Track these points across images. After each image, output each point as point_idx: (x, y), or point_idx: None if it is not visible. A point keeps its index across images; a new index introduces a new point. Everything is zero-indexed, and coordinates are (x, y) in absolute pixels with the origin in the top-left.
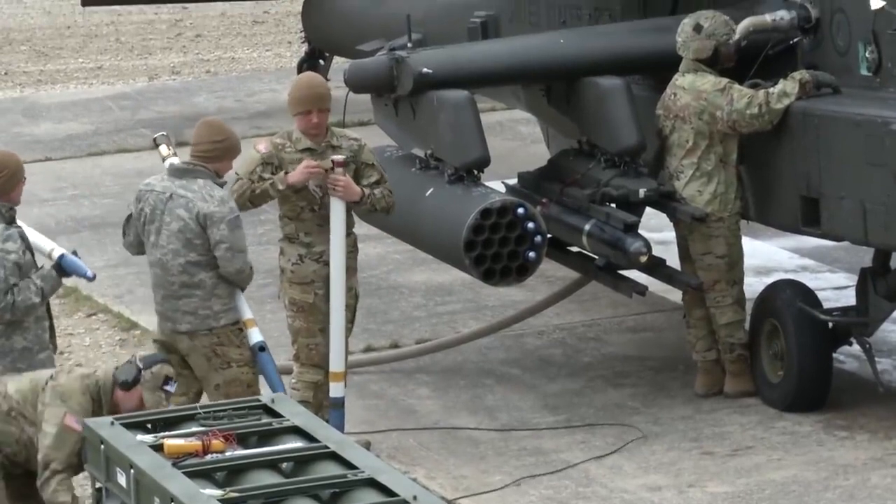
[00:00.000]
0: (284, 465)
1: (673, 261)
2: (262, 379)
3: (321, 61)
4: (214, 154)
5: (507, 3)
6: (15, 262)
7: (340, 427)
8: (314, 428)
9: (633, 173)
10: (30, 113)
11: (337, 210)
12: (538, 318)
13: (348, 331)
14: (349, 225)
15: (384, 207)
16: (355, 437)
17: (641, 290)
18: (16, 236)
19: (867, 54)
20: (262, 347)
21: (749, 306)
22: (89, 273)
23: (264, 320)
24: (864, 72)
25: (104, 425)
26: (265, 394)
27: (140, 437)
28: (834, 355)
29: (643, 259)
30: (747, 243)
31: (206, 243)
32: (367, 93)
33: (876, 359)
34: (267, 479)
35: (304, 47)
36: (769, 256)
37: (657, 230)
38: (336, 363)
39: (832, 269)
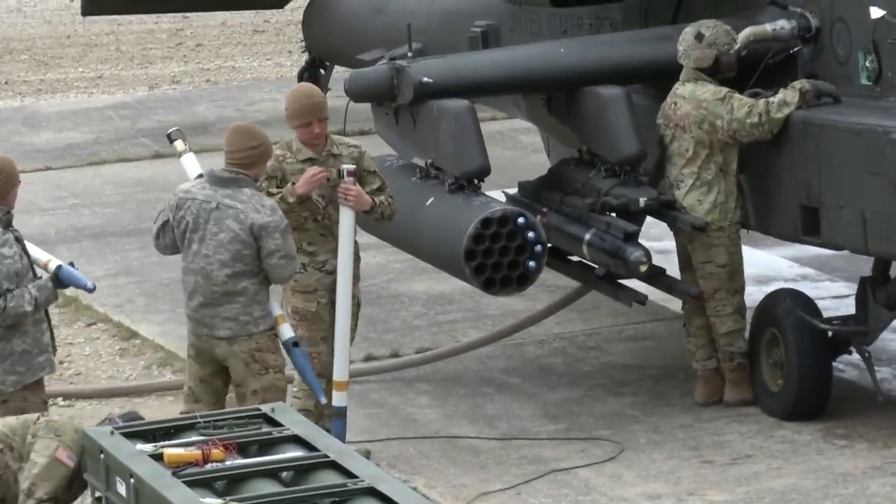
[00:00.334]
0: (284, 474)
1: (673, 270)
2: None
3: (321, 70)
4: (252, 160)
5: (508, 12)
6: (10, 266)
7: (342, 436)
8: (314, 437)
9: (634, 182)
10: (30, 122)
11: (346, 220)
12: (538, 327)
13: (350, 339)
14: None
15: (389, 215)
16: (355, 445)
17: (641, 299)
18: (12, 241)
19: (867, 63)
20: (295, 343)
21: (749, 315)
22: (89, 284)
23: None
24: (864, 81)
25: (104, 435)
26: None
27: (140, 446)
28: (833, 364)
29: (643, 268)
30: (747, 252)
31: (254, 253)
32: (368, 102)
33: (875, 367)
34: (267, 488)
35: (305, 56)
36: (769, 265)
37: (657, 239)
38: (339, 372)
39: (832, 278)
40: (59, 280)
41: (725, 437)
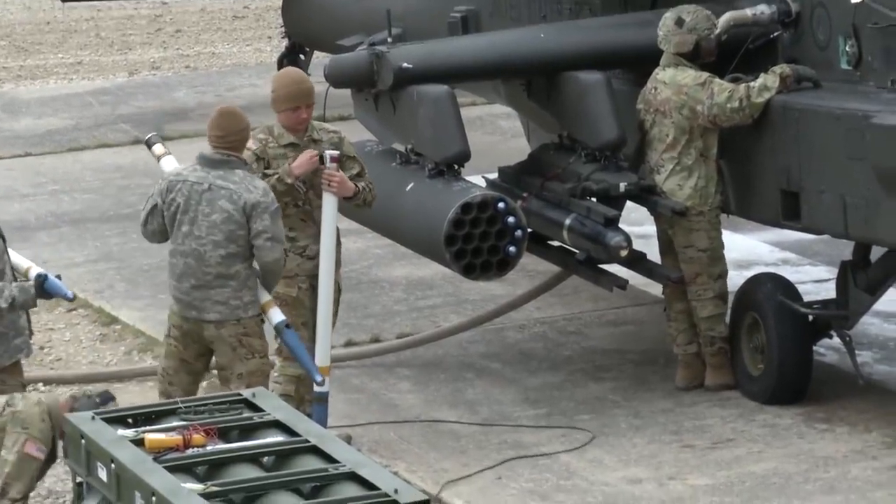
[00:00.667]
0: (265, 459)
1: (653, 255)
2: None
3: (301, 56)
4: (241, 142)
5: None
6: None
7: (324, 421)
8: (295, 422)
9: (614, 167)
10: (9, 108)
11: (329, 205)
12: (519, 312)
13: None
14: None
15: (370, 202)
16: (336, 430)
17: (622, 283)
18: None
19: (847, 48)
20: (287, 325)
21: (729, 300)
22: (69, 294)
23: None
24: (844, 66)
25: (85, 420)
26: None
27: (121, 431)
28: (814, 348)
29: (623, 253)
30: (727, 237)
31: (247, 235)
32: (348, 87)
33: (856, 351)
34: (248, 473)
35: (285, 42)
36: (750, 250)
37: (638, 224)
38: (321, 358)
39: (812, 262)
40: (44, 290)
41: (706, 422)
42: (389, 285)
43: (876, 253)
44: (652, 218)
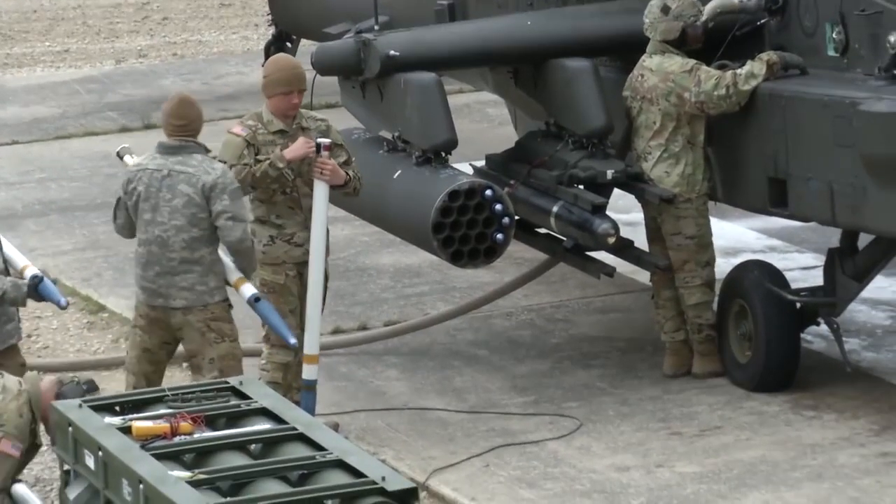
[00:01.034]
0: (253, 446)
1: (641, 242)
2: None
3: (288, 44)
4: (198, 128)
5: None
6: None
7: (312, 409)
8: (282, 410)
9: (601, 155)
10: None
11: (320, 194)
12: (506, 300)
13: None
14: None
15: (358, 189)
16: (324, 418)
17: (609, 271)
18: None
19: (834, 35)
20: (257, 298)
21: (717, 287)
22: (63, 301)
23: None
24: (831, 53)
25: (72, 408)
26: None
27: (108, 419)
28: (802, 335)
29: (611, 240)
30: (715, 224)
31: (209, 217)
32: (335, 75)
33: (843, 339)
34: (235, 460)
35: (271, 30)
36: (737, 237)
37: (625, 211)
38: (310, 346)
39: (800, 249)
40: (37, 292)
41: (694, 409)
42: (377, 273)
43: (863, 240)
44: (639, 205)
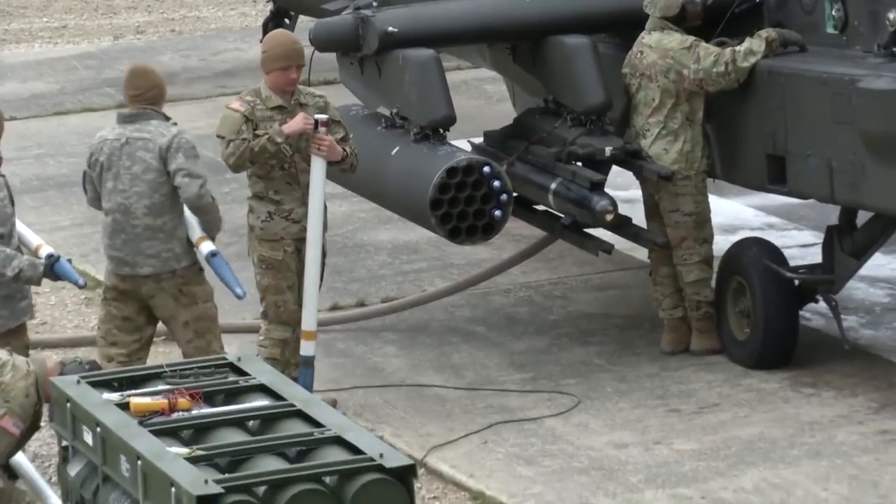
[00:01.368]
0: (251, 423)
1: (639, 219)
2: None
3: (286, 20)
4: (158, 96)
5: None
6: (2, 210)
7: (310, 385)
8: (280, 386)
9: (600, 132)
10: None
11: (318, 169)
12: (504, 277)
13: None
14: None
15: (354, 166)
16: (322, 395)
17: (607, 248)
18: (3, 184)
19: (833, 12)
20: (213, 254)
21: (715, 264)
22: (80, 280)
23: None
24: (830, 30)
25: (71, 384)
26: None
27: (106, 395)
28: (800, 313)
29: (609, 217)
30: (713, 201)
31: (168, 182)
32: (333, 52)
33: (842, 316)
34: (233, 437)
35: (269, 6)
36: (735, 214)
37: (623, 188)
38: (308, 322)
39: (798, 226)
40: (52, 271)
41: (692, 386)
42: (375, 249)
43: (862, 217)
44: (637, 182)
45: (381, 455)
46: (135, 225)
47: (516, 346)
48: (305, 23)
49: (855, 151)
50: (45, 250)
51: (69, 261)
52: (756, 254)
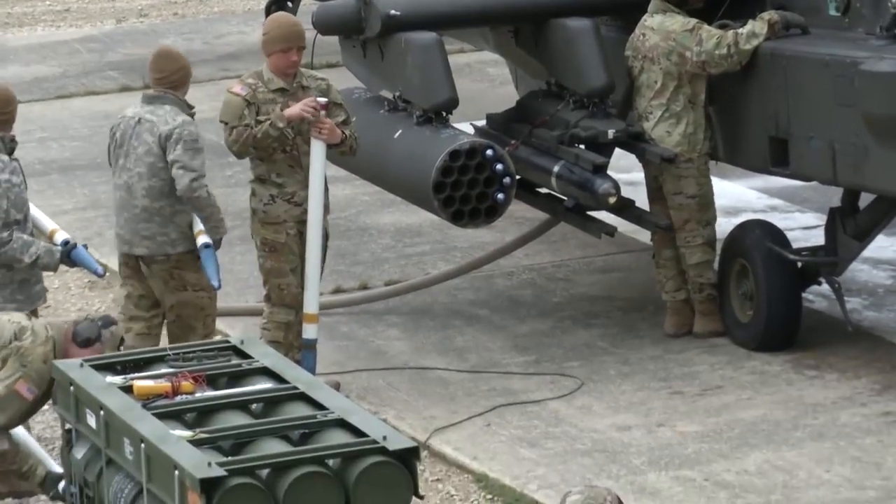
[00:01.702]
0: (254, 406)
1: (642, 201)
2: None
3: (289, 3)
4: (180, 80)
5: None
6: (18, 194)
7: (312, 368)
8: (283, 369)
9: (602, 114)
10: None
11: (318, 152)
12: (507, 260)
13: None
14: None
15: (354, 149)
16: (325, 377)
17: (610, 230)
18: (18, 168)
19: None
20: (207, 245)
21: (718, 246)
22: (99, 269)
23: (234, 262)
24: (832, 12)
25: (74, 367)
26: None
27: (110, 378)
28: (803, 295)
29: (612, 200)
30: (716, 184)
31: (167, 168)
32: (336, 35)
33: (845, 298)
34: (236, 419)
35: None
36: (738, 197)
37: (626, 171)
38: (310, 305)
39: (801, 209)
40: (70, 259)
41: (695, 369)
42: (378, 232)
43: (865, 199)
44: (640, 165)
45: (385, 438)
46: (135, 205)
47: (519, 329)
48: (308, 6)
49: (857, 133)
50: (60, 236)
51: (85, 247)
52: (759, 236)
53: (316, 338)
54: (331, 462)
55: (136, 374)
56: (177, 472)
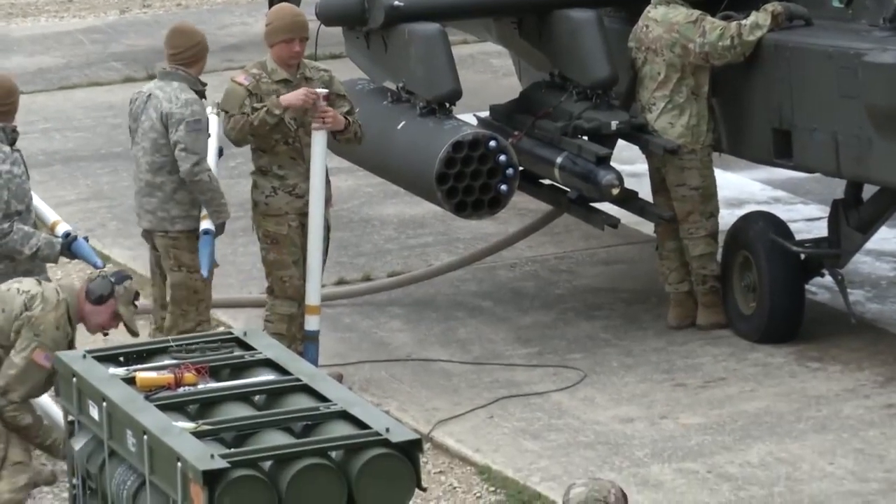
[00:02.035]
0: (257, 397)
1: (645, 193)
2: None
3: None
4: (196, 57)
5: None
6: (20, 185)
7: (315, 360)
8: (286, 361)
9: (605, 106)
10: (0, 46)
11: (319, 143)
12: (510, 251)
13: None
14: None
15: (360, 137)
16: (327, 369)
17: (613, 222)
18: (19, 160)
19: None
20: (207, 231)
21: (721, 238)
22: (99, 262)
23: (236, 253)
24: (836, 3)
25: (76, 359)
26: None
27: (112, 370)
28: (806, 287)
29: (615, 191)
30: (719, 175)
31: (169, 145)
32: (339, 26)
33: (848, 290)
34: (239, 411)
35: None
36: (741, 188)
37: (629, 162)
38: (312, 297)
39: (804, 200)
40: (70, 250)
41: (698, 361)
42: (381, 224)
43: (868, 191)
44: (643, 156)
45: (387, 430)
46: (140, 178)
47: (522, 321)
48: None
49: (861, 125)
50: (61, 227)
51: (86, 239)
52: (762, 228)
53: (318, 329)
54: (333, 454)
55: (139, 366)
56: (179, 464)
